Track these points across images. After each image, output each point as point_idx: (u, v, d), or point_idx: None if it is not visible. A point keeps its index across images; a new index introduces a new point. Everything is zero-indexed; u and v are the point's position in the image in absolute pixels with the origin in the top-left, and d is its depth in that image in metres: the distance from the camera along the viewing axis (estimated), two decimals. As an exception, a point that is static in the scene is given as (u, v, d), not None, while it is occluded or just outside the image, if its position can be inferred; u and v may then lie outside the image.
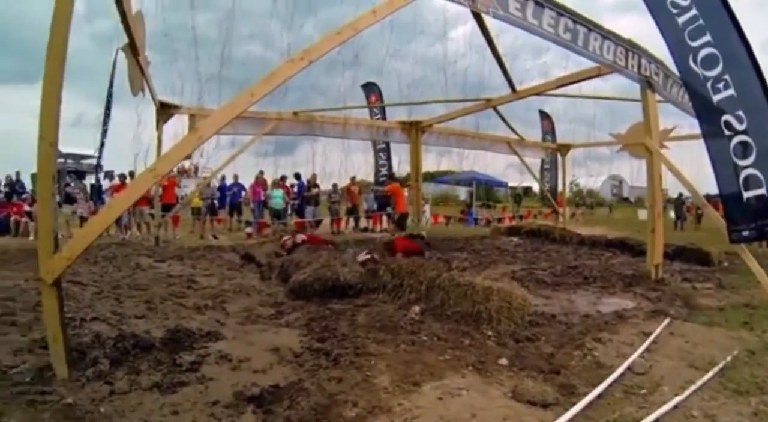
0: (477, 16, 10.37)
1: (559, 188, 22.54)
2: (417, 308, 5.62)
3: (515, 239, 15.32)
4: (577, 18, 7.23)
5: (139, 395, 3.85)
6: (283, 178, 19.01)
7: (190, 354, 4.59)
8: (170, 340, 4.91)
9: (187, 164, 36.08)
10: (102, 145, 15.16)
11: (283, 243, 11.58)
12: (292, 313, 6.35)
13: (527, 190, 40.42)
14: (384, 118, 18.71)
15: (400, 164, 19.45)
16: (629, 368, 4.23)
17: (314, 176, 19.07)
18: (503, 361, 4.19)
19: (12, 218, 17.21)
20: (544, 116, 22.69)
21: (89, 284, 7.61)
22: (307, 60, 4.83)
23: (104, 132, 14.81)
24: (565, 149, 20.61)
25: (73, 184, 18.59)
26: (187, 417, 3.53)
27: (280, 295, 7.48)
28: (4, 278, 8.20)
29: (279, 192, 18.45)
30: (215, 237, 16.63)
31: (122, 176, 16.76)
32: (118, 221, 16.46)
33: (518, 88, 13.54)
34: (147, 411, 3.60)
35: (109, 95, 14.10)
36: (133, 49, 8.73)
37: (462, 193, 40.65)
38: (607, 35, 7.67)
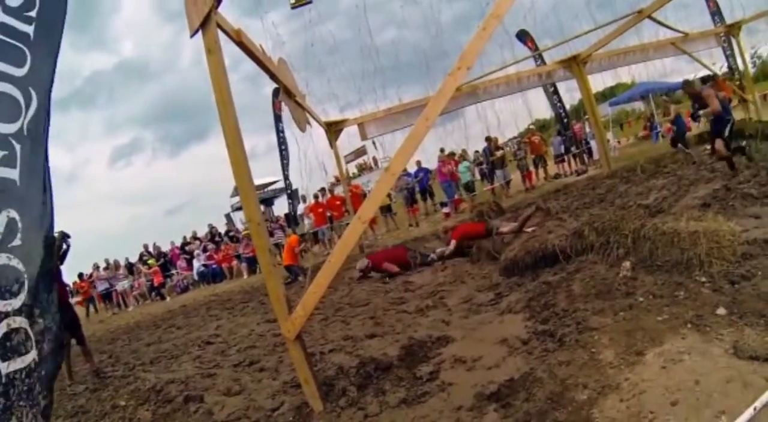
0: None
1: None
2: (627, 264, 5.51)
3: (708, 146, 14.14)
4: None
5: (389, 414, 4.31)
6: (464, 151, 19.72)
7: (427, 363, 5.03)
8: (406, 355, 5.38)
9: (363, 159, 37.77)
10: (286, 177, 16.66)
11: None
12: (511, 294, 6.59)
13: (706, 79, 36.45)
14: (543, 62, 18.52)
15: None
16: None
17: (496, 140, 19.46)
18: (721, 311, 4.03)
19: (224, 265, 19.34)
20: (706, -6, 20.54)
21: (313, 312, 8.23)
22: (465, 67, 4.91)
23: (285, 165, 16.26)
24: (735, 29, 18.58)
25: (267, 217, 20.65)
26: (437, 425, 3.92)
27: (494, 275, 7.77)
28: (240, 325, 9.32)
29: (464, 165, 18.83)
30: (416, 225, 17.42)
31: (315, 196, 18.10)
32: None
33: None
34: (401, 428, 4.06)
35: (280, 131, 15.48)
36: (287, 93, 9.45)
37: (640, 106, 38.14)
38: None
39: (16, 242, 3.43)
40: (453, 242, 9.75)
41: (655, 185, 10.45)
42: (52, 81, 3.98)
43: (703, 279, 4.75)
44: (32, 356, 3.40)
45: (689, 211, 6.44)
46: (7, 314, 3.29)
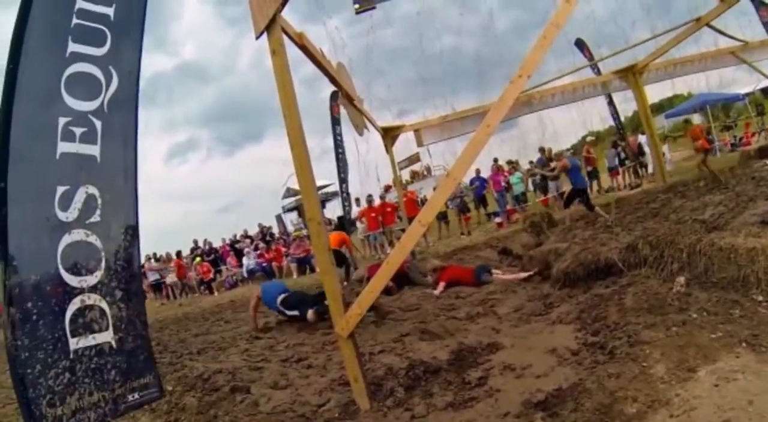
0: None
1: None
2: (682, 279, 5.36)
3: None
4: None
5: (436, 416, 4.35)
6: (516, 161, 19.68)
7: (476, 369, 5.04)
8: (455, 360, 5.42)
9: (417, 166, 37.74)
10: (342, 180, 16.80)
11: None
12: (562, 305, 6.55)
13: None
14: (598, 72, 18.16)
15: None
16: None
17: (550, 151, 19.10)
18: (777, 331, 3.93)
19: (275, 264, 19.57)
20: (760, 5, 19.91)
21: (366, 314, 8.30)
22: (526, 75, 4.97)
23: (343, 167, 16.41)
24: (797, 37, 17.40)
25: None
26: (483, 431, 3.95)
27: (545, 287, 7.74)
28: (288, 323, 9.42)
29: (516, 176, 18.75)
30: (468, 233, 17.42)
31: (369, 201, 18.18)
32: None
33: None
34: (446, 432, 4.10)
35: (337, 134, 15.68)
36: (346, 97, 9.60)
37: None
38: None
39: (95, 218, 3.54)
40: (441, 285, 9.53)
41: (712, 201, 10.12)
42: (139, 59, 4.06)
43: (760, 298, 4.63)
44: (106, 337, 3.51)
45: (747, 228, 6.28)
46: (81, 291, 3.42)
